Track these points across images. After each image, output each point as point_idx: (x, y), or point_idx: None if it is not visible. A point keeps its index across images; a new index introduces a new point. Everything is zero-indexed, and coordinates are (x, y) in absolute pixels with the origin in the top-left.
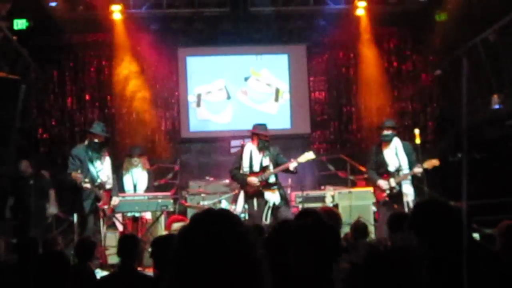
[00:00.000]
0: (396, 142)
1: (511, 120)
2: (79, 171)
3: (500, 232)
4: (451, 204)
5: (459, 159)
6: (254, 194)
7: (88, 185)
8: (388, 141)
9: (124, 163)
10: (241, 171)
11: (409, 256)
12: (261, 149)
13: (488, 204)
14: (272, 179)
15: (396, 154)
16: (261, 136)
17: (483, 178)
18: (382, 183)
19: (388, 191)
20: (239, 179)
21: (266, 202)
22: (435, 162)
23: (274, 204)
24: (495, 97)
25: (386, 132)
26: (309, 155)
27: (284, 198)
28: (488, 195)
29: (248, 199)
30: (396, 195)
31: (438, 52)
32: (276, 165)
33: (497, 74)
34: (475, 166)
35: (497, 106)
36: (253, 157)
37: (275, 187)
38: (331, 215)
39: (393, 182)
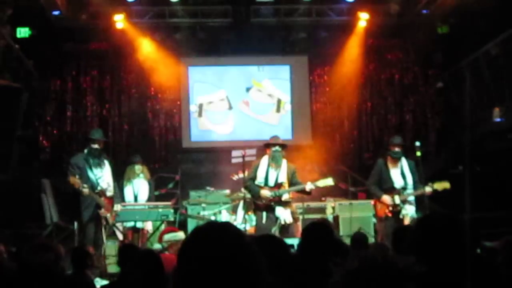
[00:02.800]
0: (403, 161)
1: None
2: (77, 176)
3: (502, 246)
4: (456, 217)
5: (460, 172)
6: (264, 207)
7: (86, 190)
8: (397, 158)
9: (125, 173)
10: (256, 182)
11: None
12: (273, 159)
13: (489, 217)
14: (285, 197)
15: (402, 172)
16: (272, 145)
17: (484, 191)
18: (388, 199)
19: (391, 208)
20: (252, 190)
21: (277, 218)
22: (446, 184)
23: (285, 222)
24: (496, 110)
25: (396, 150)
26: (328, 181)
27: (294, 217)
28: (489, 208)
29: (257, 211)
30: (397, 213)
31: (440, 64)
32: (291, 183)
33: (499, 87)
34: (476, 179)
35: (498, 119)
36: (269, 171)
37: (288, 205)
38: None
39: (397, 199)
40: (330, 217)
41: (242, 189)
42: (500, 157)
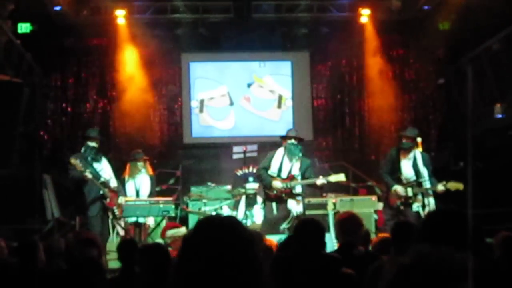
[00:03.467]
0: (416, 153)
1: None
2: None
3: (497, 243)
4: (464, 213)
5: (461, 168)
6: (275, 198)
7: (88, 174)
8: (406, 150)
9: (127, 169)
10: (269, 172)
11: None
12: (289, 152)
13: (491, 213)
14: (298, 189)
15: (414, 165)
16: (289, 138)
17: (485, 187)
18: (400, 190)
19: (403, 199)
20: (264, 180)
21: (289, 211)
22: (459, 186)
23: (297, 214)
24: (497, 107)
25: (405, 141)
26: (340, 177)
27: (304, 211)
28: (490, 204)
29: (267, 201)
30: (408, 205)
31: (441, 60)
32: (303, 177)
33: (500, 83)
34: (477, 175)
35: (499, 116)
36: (283, 162)
37: (300, 198)
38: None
39: (410, 191)
40: (331, 213)
41: (247, 184)
42: (502, 154)
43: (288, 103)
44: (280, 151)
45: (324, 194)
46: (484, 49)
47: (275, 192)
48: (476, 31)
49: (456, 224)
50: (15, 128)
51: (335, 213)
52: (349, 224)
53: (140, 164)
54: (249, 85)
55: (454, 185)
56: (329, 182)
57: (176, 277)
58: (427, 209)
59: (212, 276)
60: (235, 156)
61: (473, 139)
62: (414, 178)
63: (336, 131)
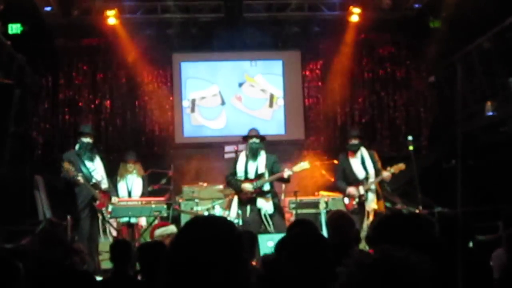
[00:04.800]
0: (363, 151)
1: (505, 126)
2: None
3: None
4: (418, 216)
5: (453, 166)
6: (248, 201)
7: (81, 179)
8: (355, 150)
9: (119, 169)
10: (236, 177)
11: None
12: (251, 152)
13: (482, 210)
14: (266, 187)
15: (363, 163)
16: (250, 138)
17: (476, 184)
18: (353, 190)
19: (357, 199)
20: (234, 185)
21: (259, 210)
22: (401, 166)
23: (266, 212)
24: (488, 104)
25: (354, 142)
26: (304, 165)
27: (278, 207)
28: (481, 201)
29: (241, 205)
30: (362, 203)
31: (432, 58)
32: (271, 173)
33: (491, 81)
34: (468, 173)
35: (490, 113)
36: (248, 163)
37: (269, 195)
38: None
39: (362, 189)
40: (323, 212)
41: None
42: (493, 151)
43: (279, 102)
44: (243, 154)
45: (316, 193)
46: (475, 47)
47: (247, 194)
48: (466, 29)
49: (408, 226)
50: (6, 129)
51: (327, 212)
52: (341, 224)
53: (129, 165)
54: (240, 85)
55: (396, 167)
56: (294, 172)
57: (164, 277)
58: (368, 208)
59: (197, 275)
60: (227, 156)
61: (464, 137)
62: (365, 176)
63: (327, 130)
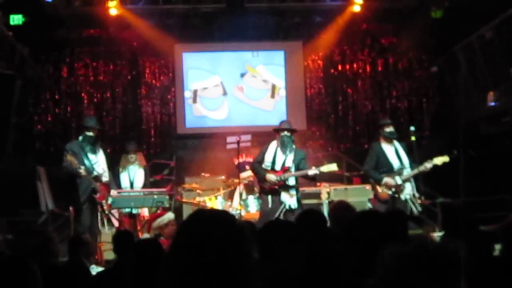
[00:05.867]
0: (395, 142)
1: (507, 117)
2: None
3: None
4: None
5: (455, 156)
6: (270, 191)
7: (83, 171)
8: (393, 138)
9: (120, 160)
10: (263, 166)
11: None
12: (282, 143)
13: (484, 200)
14: (291, 182)
15: (397, 153)
16: (282, 130)
17: (478, 175)
18: (391, 180)
19: (393, 189)
20: (258, 173)
21: (281, 203)
22: (445, 158)
23: (290, 207)
24: (490, 94)
25: (390, 129)
26: (332, 167)
27: (300, 203)
28: (483, 191)
29: (262, 195)
30: (399, 194)
31: (434, 49)
32: (298, 169)
33: (493, 71)
34: (470, 163)
35: (492, 104)
36: (277, 155)
37: (294, 190)
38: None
39: (399, 180)
40: (325, 202)
41: (243, 173)
42: (495, 141)
43: (281, 92)
44: (274, 143)
45: (318, 184)
46: (477, 37)
47: (269, 185)
48: (468, 19)
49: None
50: (8, 120)
51: (329, 203)
52: (343, 214)
53: (131, 156)
54: (242, 75)
55: (441, 159)
56: (321, 172)
57: (167, 271)
58: (403, 195)
59: (201, 270)
60: (229, 146)
61: (466, 127)
62: (400, 166)
63: (329, 120)
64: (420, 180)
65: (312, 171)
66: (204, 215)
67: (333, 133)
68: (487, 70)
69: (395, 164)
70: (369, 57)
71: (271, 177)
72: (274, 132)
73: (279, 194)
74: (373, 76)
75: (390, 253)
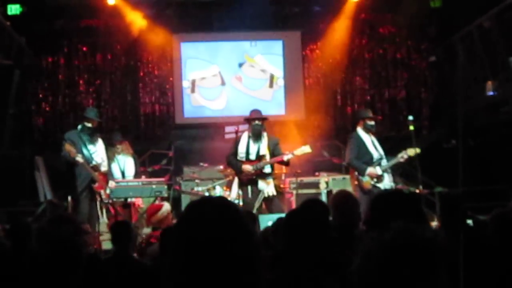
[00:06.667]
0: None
1: (505, 107)
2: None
3: (491, 219)
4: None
5: (453, 146)
6: (248, 182)
7: (80, 159)
8: (372, 131)
9: (107, 152)
10: (237, 158)
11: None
12: (254, 134)
13: (482, 190)
14: (268, 169)
15: (373, 144)
16: (253, 120)
17: (477, 164)
18: (373, 170)
19: (375, 179)
20: (234, 166)
21: (259, 191)
22: (417, 150)
23: (268, 195)
24: (489, 84)
25: (372, 122)
26: (306, 149)
27: (278, 190)
28: (482, 181)
29: (242, 186)
30: (378, 183)
31: (433, 38)
32: (273, 155)
33: (492, 60)
34: (469, 153)
35: (491, 93)
36: (250, 145)
37: (270, 178)
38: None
39: (379, 170)
40: (324, 192)
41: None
42: (493, 131)
43: (279, 82)
44: (245, 134)
45: (316, 173)
46: (475, 27)
47: (245, 176)
48: (467, 8)
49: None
50: (6, 110)
51: (328, 192)
52: (346, 205)
53: (117, 147)
54: (240, 65)
55: (412, 151)
56: (295, 155)
57: (172, 262)
58: (382, 185)
59: (207, 259)
60: (227, 136)
61: (465, 117)
62: (379, 156)
63: (328, 110)
64: (418, 169)
65: (287, 156)
66: (206, 201)
67: (332, 122)
68: (486, 59)
69: (375, 154)
70: (367, 46)
71: (247, 167)
72: (269, 122)
73: (256, 183)
74: (371, 65)
75: (371, 239)
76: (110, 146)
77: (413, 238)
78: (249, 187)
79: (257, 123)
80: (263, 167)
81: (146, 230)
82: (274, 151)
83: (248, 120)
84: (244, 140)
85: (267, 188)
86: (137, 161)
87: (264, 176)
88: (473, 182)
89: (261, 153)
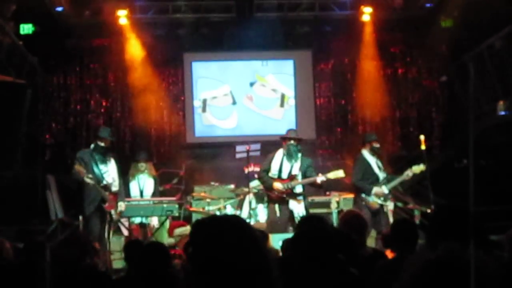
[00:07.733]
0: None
1: None
2: (83, 166)
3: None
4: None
5: (465, 165)
6: (277, 200)
7: (89, 180)
8: (376, 152)
9: (130, 169)
10: (269, 175)
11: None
12: (288, 153)
13: (495, 210)
14: (299, 189)
15: (378, 166)
16: (288, 139)
17: (488, 184)
18: (380, 190)
19: (382, 199)
20: (265, 182)
21: (291, 211)
22: (422, 167)
23: (298, 215)
24: (500, 104)
25: (377, 145)
26: (339, 173)
27: (308, 211)
28: (493, 201)
29: (270, 203)
30: (386, 202)
31: (444, 58)
32: (305, 176)
33: (503, 80)
34: (480, 173)
35: (502, 113)
36: (283, 163)
37: (301, 197)
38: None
39: (385, 189)
40: (335, 212)
41: (252, 183)
42: (505, 150)
43: (290, 102)
44: (280, 152)
45: (327, 193)
46: (486, 47)
47: (276, 193)
48: (478, 28)
49: (463, 221)
50: (18, 129)
51: (339, 212)
52: (354, 224)
53: (140, 165)
54: (251, 84)
55: (417, 168)
56: (328, 179)
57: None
58: (386, 205)
59: (225, 275)
60: (238, 156)
61: (476, 137)
62: (385, 176)
63: (338, 130)
64: (430, 189)
65: (320, 178)
66: (217, 219)
67: (342, 142)
68: (497, 79)
69: (380, 175)
70: (378, 66)
71: (278, 185)
72: (283, 140)
73: (286, 203)
74: (382, 85)
75: (417, 259)
76: (134, 163)
77: (460, 261)
78: (277, 206)
79: (292, 143)
80: (294, 187)
81: (169, 241)
82: (307, 172)
83: (283, 138)
84: (279, 158)
85: (298, 207)
86: (158, 183)
87: (295, 195)
88: (485, 202)
89: (293, 172)
